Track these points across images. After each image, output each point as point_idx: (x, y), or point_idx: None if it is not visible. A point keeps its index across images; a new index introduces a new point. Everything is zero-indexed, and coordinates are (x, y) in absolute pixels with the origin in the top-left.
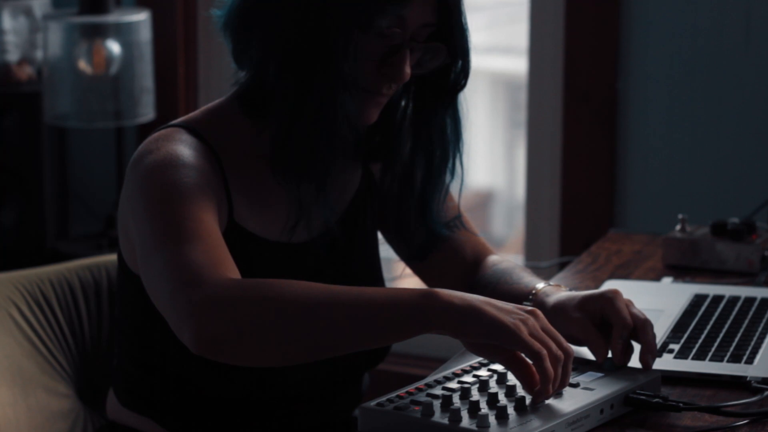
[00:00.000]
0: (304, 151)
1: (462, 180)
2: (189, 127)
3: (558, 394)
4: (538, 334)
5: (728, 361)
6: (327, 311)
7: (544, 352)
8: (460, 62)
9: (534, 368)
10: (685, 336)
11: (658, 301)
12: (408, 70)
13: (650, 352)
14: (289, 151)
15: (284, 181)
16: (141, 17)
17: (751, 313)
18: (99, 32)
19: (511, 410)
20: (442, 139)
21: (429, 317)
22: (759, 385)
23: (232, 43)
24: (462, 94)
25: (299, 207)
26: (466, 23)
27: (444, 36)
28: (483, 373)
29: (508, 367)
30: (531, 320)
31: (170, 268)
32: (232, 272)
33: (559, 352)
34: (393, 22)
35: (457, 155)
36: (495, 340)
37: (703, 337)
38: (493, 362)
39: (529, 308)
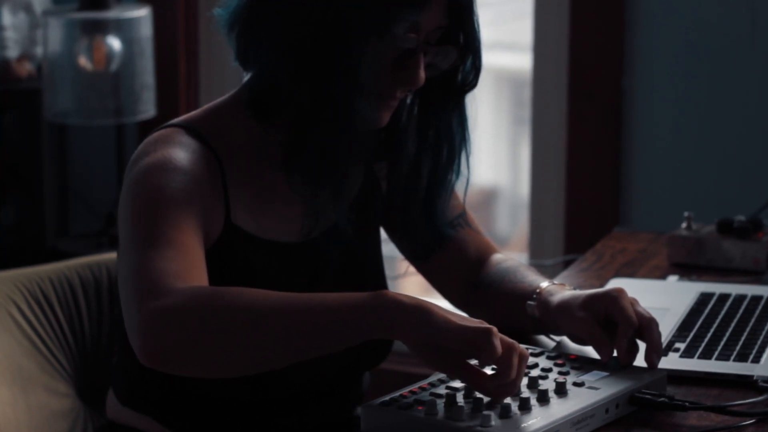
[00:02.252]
0: (321, 158)
1: (468, 179)
2: (189, 127)
3: (563, 393)
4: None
5: (734, 360)
6: (274, 320)
7: (494, 329)
8: (469, 62)
9: (483, 373)
10: (691, 335)
11: (663, 299)
12: (423, 74)
13: (655, 351)
14: (305, 158)
15: (300, 187)
16: (142, 13)
17: (757, 311)
18: (99, 28)
19: (515, 409)
20: (448, 138)
21: (377, 318)
22: (765, 385)
23: (237, 45)
24: (469, 94)
25: (314, 213)
26: (477, 23)
27: (455, 36)
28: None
29: (456, 376)
30: (480, 324)
31: (134, 273)
32: (198, 282)
33: (513, 342)
34: (408, 27)
35: (464, 155)
36: (440, 339)
37: (709, 336)
38: (445, 374)
39: (484, 323)
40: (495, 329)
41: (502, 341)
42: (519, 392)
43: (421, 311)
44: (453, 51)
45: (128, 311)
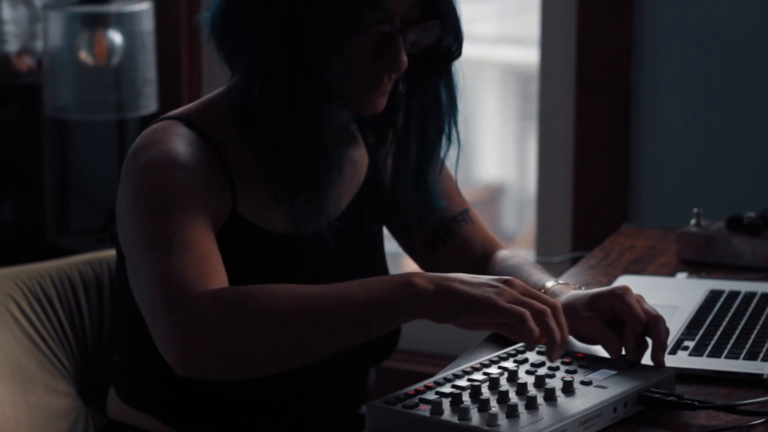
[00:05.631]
0: (293, 166)
1: (459, 148)
2: (187, 120)
3: (570, 392)
4: (516, 299)
5: (744, 359)
6: (308, 318)
7: (527, 312)
8: (451, 34)
9: (531, 324)
10: (700, 333)
11: (672, 297)
12: (404, 58)
13: (661, 349)
14: (279, 166)
15: (277, 196)
16: (143, 7)
17: (767, 309)
18: (100, 22)
19: (521, 409)
20: (436, 107)
21: (407, 309)
22: None
23: (220, 51)
24: (456, 62)
25: (295, 220)
26: None
27: (432, 8)
28: (493, 370)
29: (505, 332)
30: (506, 289)
31: (154, 279)
32: (219, 282)
33: (544, 307)
34: (378, 18)
35: (453, 123)
36: (474, 318)
37: (718, 333)
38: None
39: (504, 278)
40: (506, 291)
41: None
42: (526, 391)
43: (445, 294)
44: (435, 27)
45: (155, 322)
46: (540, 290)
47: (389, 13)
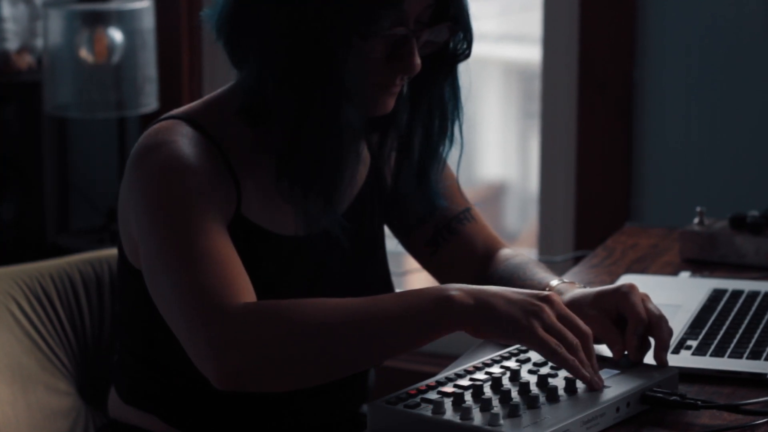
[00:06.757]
0: (310, 166)
1: (462, 148)
2: (190, 119)
3: (573, 392)
4: (553, 326)
5: (748, 358)
6: (348, 333)
7: (560, 349)
8: (460, 34)
9: (564, 355)
10: (704, 332)
11: (675, 296)
12: (418, 60)
13: (665, 349)
14: (295, 165)
15: (287, 192)
16: (144, 4)
17: None
18: (101, 20)
19: (524, 408)
20: (440, 107)
21: (446, 325)
22: None
23: (226, 50)
24: (462, 63)
25: (304, 218)
26: None
27: (444, 9)
28: (495, 370)
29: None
30: (546, 311)
31: (182, 293)
32: (246, 290)
33: (575, 340)
34: (393, 20)
35: (456, 123)
36: (511, 341)
37: (721, 333)
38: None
39: (544, 294)
40: (545, 314)
41: (551, 326)
42: (528, 390)
43: (486, 312)
44: (446, 29)
45: (190, 337)
46: (545, 289)
47: (404, 15)
